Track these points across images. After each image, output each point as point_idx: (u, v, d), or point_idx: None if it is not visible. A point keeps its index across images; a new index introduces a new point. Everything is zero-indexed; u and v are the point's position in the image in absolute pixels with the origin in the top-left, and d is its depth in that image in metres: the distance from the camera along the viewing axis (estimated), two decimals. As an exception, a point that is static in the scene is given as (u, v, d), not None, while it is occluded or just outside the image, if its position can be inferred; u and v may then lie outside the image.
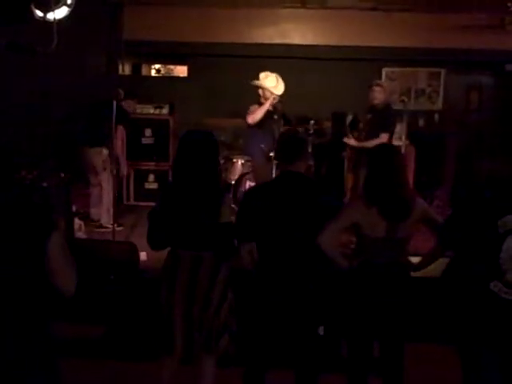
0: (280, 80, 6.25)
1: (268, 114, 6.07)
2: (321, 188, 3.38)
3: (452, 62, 8.62)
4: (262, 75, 6.28)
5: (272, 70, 8.66)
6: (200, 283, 3.18)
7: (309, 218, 3.12)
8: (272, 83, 6.20)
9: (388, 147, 3.81)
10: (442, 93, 8.86)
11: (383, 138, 5.72)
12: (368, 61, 8.50)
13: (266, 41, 8.58)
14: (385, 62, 8.78)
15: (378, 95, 5.95)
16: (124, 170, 6.90)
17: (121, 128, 6.52)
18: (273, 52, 8.59)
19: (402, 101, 5.97)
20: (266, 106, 6.06)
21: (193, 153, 3.15)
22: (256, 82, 6.23)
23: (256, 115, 6.05)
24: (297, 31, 8.63)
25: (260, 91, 6.23)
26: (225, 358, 3.35)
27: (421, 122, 6.86)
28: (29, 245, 2.23)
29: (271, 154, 5.86)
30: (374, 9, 8.15)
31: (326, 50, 8.53)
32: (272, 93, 6.12)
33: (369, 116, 6.16)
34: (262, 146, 6.00)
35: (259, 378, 3.30)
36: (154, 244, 3.26)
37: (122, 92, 6.70)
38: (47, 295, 2.34)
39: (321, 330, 4.47)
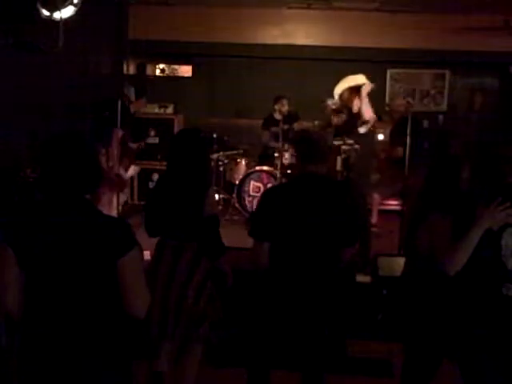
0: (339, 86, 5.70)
1: None
2: (342, 190, 3.34)
3: (456, 63, 8.62)
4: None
5: (276, 71, 8.73)
6: (178, 273, 3.30)
7: (329, 221, 3.05)
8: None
9: None
10: (446, 94, 8.85)
11: None
12: (372, 62, 8.49)
13: (271, 41, 8.59)
14: (389, 63, 8.77)
15: None
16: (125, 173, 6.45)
17: (117, 131, 6.38)
18: (277, 52, 8.61)
19: (407, 102, 5.95)
20: None
21: (181, 149, 3.37)
22: None
23: None
24: (301, 32, 8.63)
25: None
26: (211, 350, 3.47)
27: (425, 124, 6.86)
28: (100, 260, 2.10)
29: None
30: (378, 10, 8.15)
31: (331, 50, 8.54)
32: None
33: None
34: None
35: (264, 378, 3.30)
36: (149, 232, 3.48)
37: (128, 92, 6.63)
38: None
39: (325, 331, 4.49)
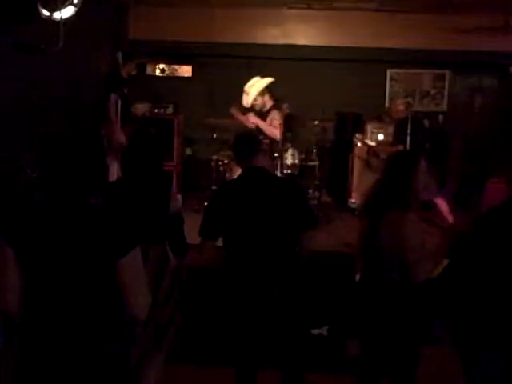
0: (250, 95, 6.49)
1: None
2: (285, 182, 3.42)
3: (456, 63, 8.61)
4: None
5: (276, 71, 8.70)
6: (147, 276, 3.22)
7: (274, 212, 3.14)
8: None
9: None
10: (446, 94, 8.85)
11: None
12: (373, 62, 8.50)
13: (271, 41, 8.58)
14: (389, 63, 8.76)
15: None
16: None
17: (113, 97, 6.27)
18: (277, 52, 8.60)
19: (407, 102, 5.97)
20: None
21: (139, 151, 3.29)
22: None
23: None
24: (301, 32, 8.62)
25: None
26: (172, 354, 3.41)
27: (425, 124, 6.88)
28: (101, 260, 2.10)
29: None
30: (378, 10, 8.14)
31: (331, 50, 8.52)
32: None
33: None
34: None
35: (251, 377, 3.30)
36: None
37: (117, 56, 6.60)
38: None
39: (325, 331, 4.50)
